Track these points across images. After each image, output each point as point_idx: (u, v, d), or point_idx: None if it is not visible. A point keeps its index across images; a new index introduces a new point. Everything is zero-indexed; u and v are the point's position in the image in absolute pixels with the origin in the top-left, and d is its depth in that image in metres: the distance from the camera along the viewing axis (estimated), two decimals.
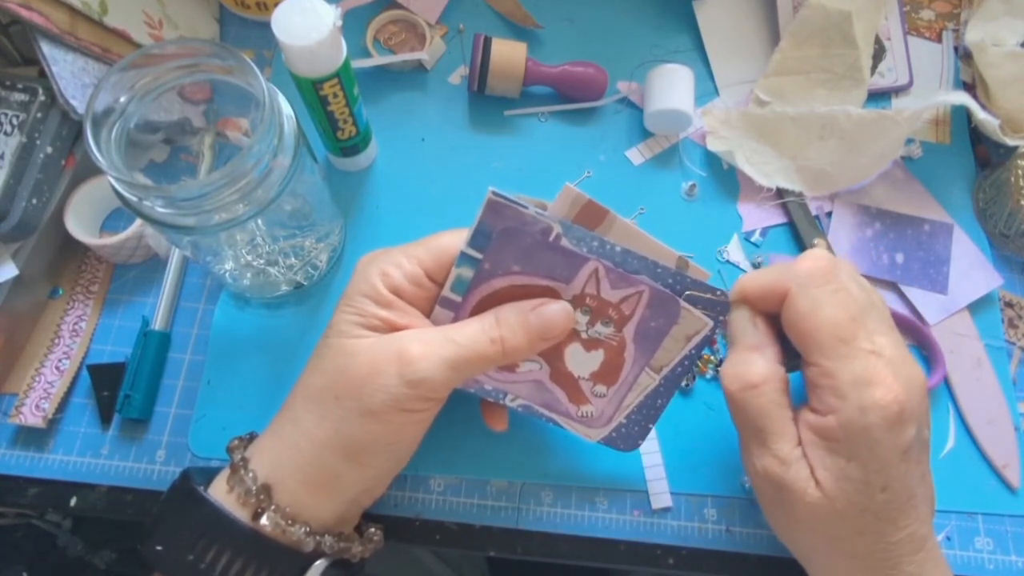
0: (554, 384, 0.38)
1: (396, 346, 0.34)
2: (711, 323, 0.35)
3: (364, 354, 0.34)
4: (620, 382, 0.37)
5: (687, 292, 0.34)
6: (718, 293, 0.35)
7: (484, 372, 0.36)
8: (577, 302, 0.35)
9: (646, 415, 0.39)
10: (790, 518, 0.36)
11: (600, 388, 0.38)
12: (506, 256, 0.33)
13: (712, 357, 0.47)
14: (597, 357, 0.37)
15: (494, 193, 0.31)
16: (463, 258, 0.34)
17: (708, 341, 0.36)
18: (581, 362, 0.37)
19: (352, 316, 0.35)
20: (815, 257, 0.36)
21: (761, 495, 0.37)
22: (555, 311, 0.34)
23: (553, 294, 0.35)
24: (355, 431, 0.34)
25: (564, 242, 0.32)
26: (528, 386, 0.38)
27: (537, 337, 0.34)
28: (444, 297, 0.35)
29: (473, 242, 0.33)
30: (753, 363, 0.36)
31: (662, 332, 0.36)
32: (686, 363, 0.37)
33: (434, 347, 0.33)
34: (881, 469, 0.33)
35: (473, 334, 0.34)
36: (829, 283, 0.35)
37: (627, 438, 0.39)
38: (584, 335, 0.36)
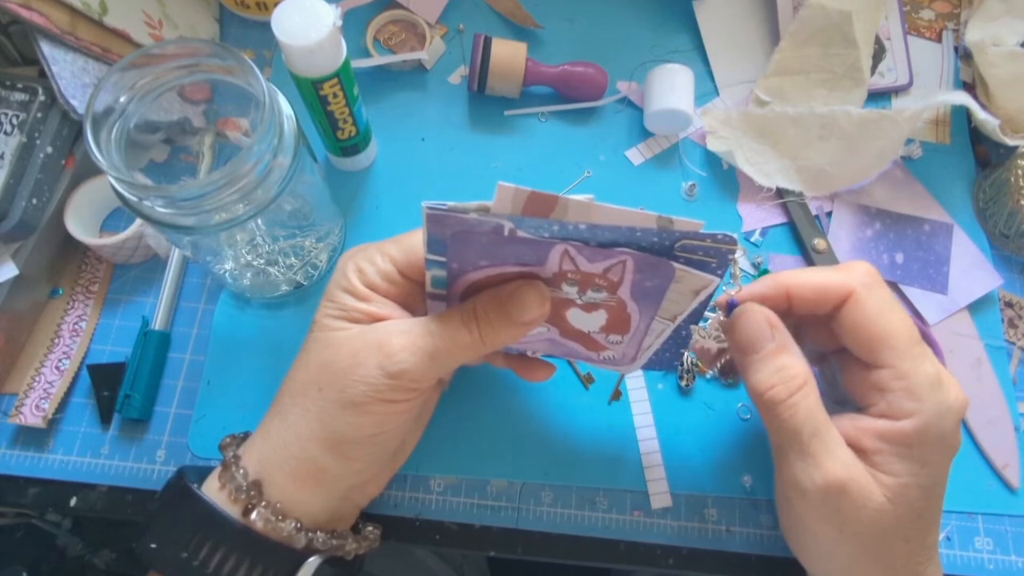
0: (567, 339, 0.37)
1: (377, 337, 0.34)
2: (716, 280, 0.32)
3: (346, 345, 0.34)
4: (633, 331, 0.36)
5: (680, 242, 0.30)
6: (719, 237, 0.30)
7: (468, 361, 0.36)
8: (559, 278, 0.33)
9: (674, 343, 0.37)
10: (842, 532, 0.34)
11: (614, 337, 0.37)
12: (468, 255, 0.32)
13: None
14: (600, 315, 0.36)
15: (428, 207, 0.30)
16: (430, 263, 0.33)
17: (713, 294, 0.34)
18: (586, 321, 0.36)
19: (333, 310, 0.35)
20: (861, 263, 0.35)
21: (807, 511, 0.35)
22: (531, 298, 0.33)
23: (533, 276, 0.34)
24: (337, 423, 0.34)
25: (521, 234, 0.31)
26: (544, 343, 0.38)
27: (515, 324, 0.34)
28: (430, 293, 0.35)
29: (431, 249, 0.32)
30: (791, 364, 0.34)
31: (661, 289, 0.33)
32: (703, 302, 0.34)
33: (414, 338, 0.33)
34: (945, 472, 0.33)
35: (453, 325, 0.34)
36: (885, 286, 0.35)
37: (661, 363, 0.39)
38: (579, 301, 0.35)
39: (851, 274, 0.35)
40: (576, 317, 0.36)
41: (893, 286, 0.49)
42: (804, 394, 0.34)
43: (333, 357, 0.34)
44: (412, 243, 0.36)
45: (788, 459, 0.34)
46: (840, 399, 0.38)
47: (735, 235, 0.30)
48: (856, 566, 0.35)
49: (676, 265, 0.32)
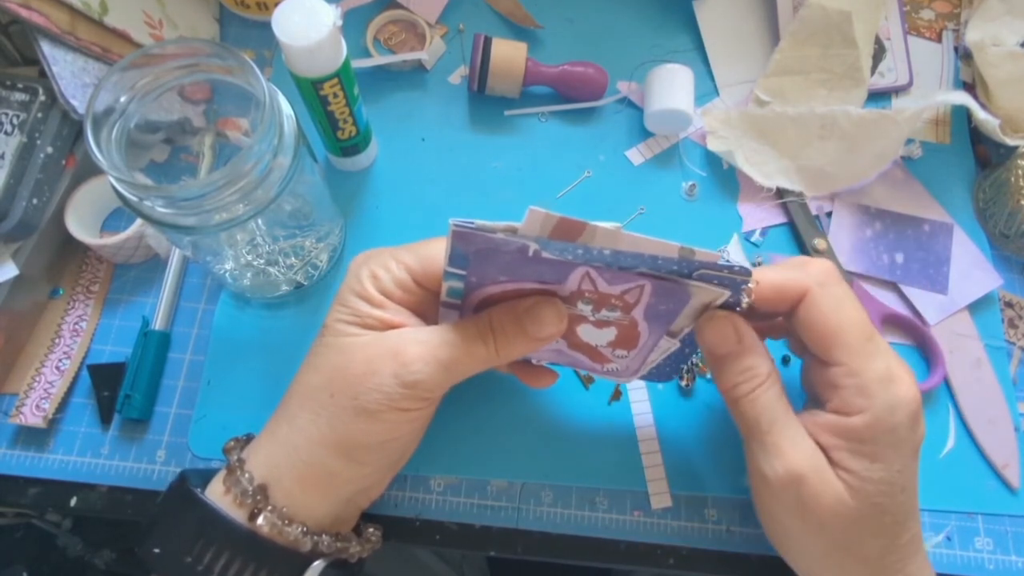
0: (573, 350, 0.38)
1: (392, 345, 0.34)
2: (727, 293, 0.33)
3: (360, 352, 0.34)
4: (640, 348, 0.37)
5: (698, 272, 0.32)
6: (736, 268, 0.32)
7: (480, 371, 0.36)
8: (576, 296, 0.34)
9: (676, 358, 0.38)
10: (806, 524, 0.34)
11: (621, 351, 0.37)
12: (489, 270, 0.33)
13: None
14: (610, 332, 0.36)
15: (455, 224, 0.30)
16: (448, 274, 0.33)
17: (729, 306, 0.35)
18: (595, 336, 0.37)
19: (346, 315, 0.35)
20: (819, 260, 0.36)
21: (772, 503, 0.36)
22: (548, 315, 0.34)
23: (550, 293, 0.34)
24: (350, 429, 0.34)
25: (545, 255, 0.31)
26: (550, 353, 0.39)
27: (531, 339, 0.34)
28: (444, 302, 0.36)
29: (452, 263, 0.32)
30: (755, 363, 0.35)
31: (674, 312, 0.34)
32: None
33: (430, 348, 0.33)
34: (903, 469, 0.33)
35: (468, 337, 0.34)
36: (842, 283, 0.35)
37: (661, 375, 0.40)
38: (591, 318, 0.35)
39: (807, 271, 0.35)
40: (586, 332, 0.36)
41: (893, 286, 0.49)
42: (764, 388, 0.35)
43: (346, 363, 0.34)
44: (428, 252, 0.36)
45: (751, 450, 0.36)
46: (811, 393, 0.39)
47: (750, 267, 0.32)
48: (829, 560, 0.36)
49: (694, 284, 0.32)
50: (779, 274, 0.35)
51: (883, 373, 0.33)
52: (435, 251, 0.35)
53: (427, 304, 0.36)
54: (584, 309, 0.35)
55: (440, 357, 0.33)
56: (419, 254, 0.36)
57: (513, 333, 0.34)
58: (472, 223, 0.30)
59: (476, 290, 0.34)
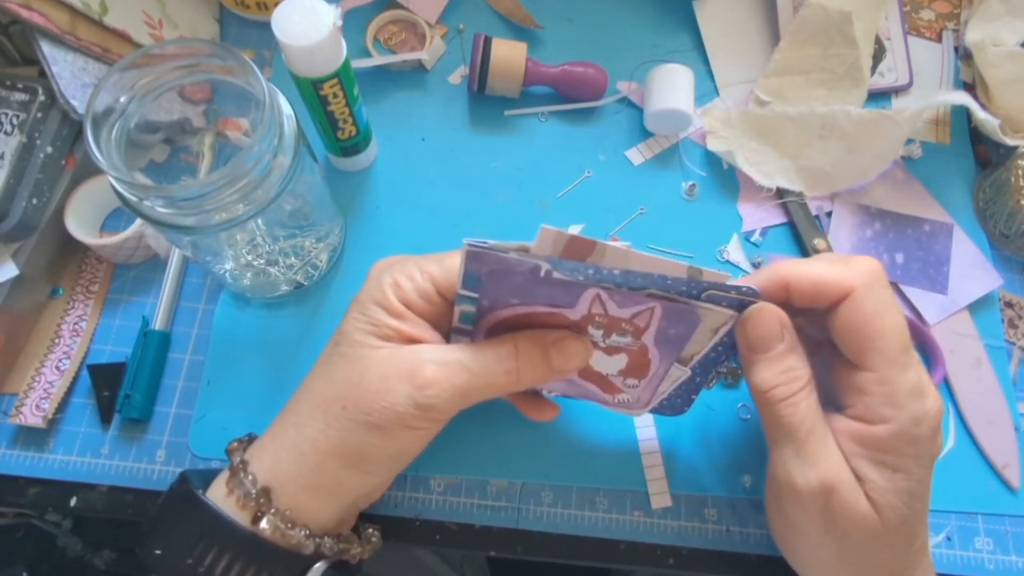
0: (584, 380, 0.38)
1: (410, 365, 0.33)
2: (736, 315, 0.33)
3: (377, 368, 0.33)
4: (651, 376, 0.37)
5: (707, 292, 0.32)
6: (744, 290, 0.32)
7: (496, 396, 0.36)
8: (586, 321, 0.34)
9: (687, 389, 0.38)
10: (828, 534, 0.34)
11: (632, 380, 0.37)
12: (501, 293, 0.33)
13: None
14: (621, 359, 0.36)
15: (470, 244, 0.30)
16: (461, 298, 0.33)
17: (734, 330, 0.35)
18: (606, 364, 0.37)
19: (364, 324, 0.35)
20: (865, 258, 0.34)
21: (795, 510, 0.35)
22: (576, 350, 0.34)
23: (560, 317, 0.34)
24: (360, 442, 0.33)
25: (556, 275, 0.31)
26: (561, 384, 0.38)
27: (555, 372, 0.34)
28: (456, 328, 0.35)
29: (465, 285, 0.32)
30: (797, 365, 0.34)
31: (684, 337, 0.34)
32: (720, 349, 0.35)
33: (448, 372, 0.33)
34: (922, 480, 0.33)
35: (489, 364, 0.34)
36: (887, 286, 0.34)
37: (671, 407, 0.40)
38: (602, 344, 0.35)
39: (853, 270, 0.34)
40: (597, 359, 0.36)
41: (893, 286, 0.49)
42: (805, 394, 0.34)
43: (361, 377, 0.34)
44: (454, 263, 0.35)
45: (783, 456, 0.34)
46: (826, 395, 0.38)
47: (759, 289, 0.32)
48: (842, 568, 0.35)
49: (703, 305, 0.32)
50: (822, 269, 0.34)
51: (914, 385, 0.32)
52: (458, 265, 0.35)
53: (448, 317, 0.36)
54: (595, 334, 0.35)
55: (457, 383, 0.33)
56: (445, 265, 0.35)
57: (539, 362, 0.34)
58: (486, 243, 0.30)
59: (488, 314, 0.34)
